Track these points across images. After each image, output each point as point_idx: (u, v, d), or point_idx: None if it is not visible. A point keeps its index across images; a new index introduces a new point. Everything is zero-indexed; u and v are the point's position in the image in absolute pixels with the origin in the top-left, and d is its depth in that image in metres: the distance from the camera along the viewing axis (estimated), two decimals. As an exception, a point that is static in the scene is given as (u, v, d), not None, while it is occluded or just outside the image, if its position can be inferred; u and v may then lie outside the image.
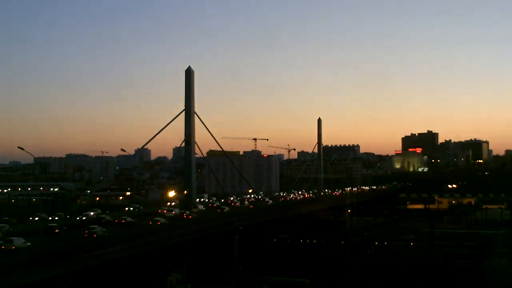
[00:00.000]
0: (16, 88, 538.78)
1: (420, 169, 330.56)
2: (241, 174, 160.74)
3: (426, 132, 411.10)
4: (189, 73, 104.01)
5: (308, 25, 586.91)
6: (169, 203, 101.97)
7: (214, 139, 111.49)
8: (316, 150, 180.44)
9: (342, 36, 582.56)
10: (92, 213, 76.42)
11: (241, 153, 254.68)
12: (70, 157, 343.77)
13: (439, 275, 74.35)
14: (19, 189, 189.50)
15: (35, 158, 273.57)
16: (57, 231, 58.66)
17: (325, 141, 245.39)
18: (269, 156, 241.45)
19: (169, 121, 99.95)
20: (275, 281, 68.51)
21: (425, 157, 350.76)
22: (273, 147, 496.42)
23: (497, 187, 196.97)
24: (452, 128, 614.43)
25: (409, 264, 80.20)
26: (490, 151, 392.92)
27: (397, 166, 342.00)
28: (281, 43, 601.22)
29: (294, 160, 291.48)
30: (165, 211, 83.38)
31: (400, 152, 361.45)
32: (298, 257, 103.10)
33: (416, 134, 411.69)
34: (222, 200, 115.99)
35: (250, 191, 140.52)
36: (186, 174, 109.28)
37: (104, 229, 59.62)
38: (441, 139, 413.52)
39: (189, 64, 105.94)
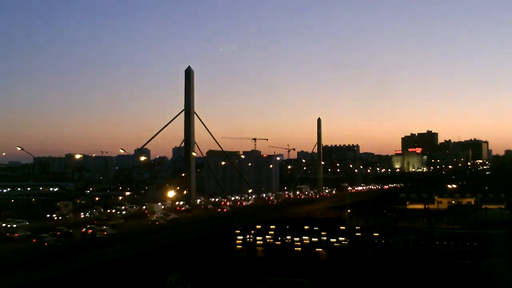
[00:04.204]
0: (15, 88, 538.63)
1: (420, 169, 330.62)
2: (241, 174, 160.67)
3: (426, 132, 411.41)
4: (189, 73, 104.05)
5: (308, 25, 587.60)
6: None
7: (214, 139, 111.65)
8: (316, 150, 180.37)
9: (342, 36, 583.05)
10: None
11: (241, 153, 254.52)
12: (70, 157, 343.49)
13: (439, 275, 74.40)
14: (19, 189, 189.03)
15: (34, 158, 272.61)
16: None
17: (325, 141, 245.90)
18: (269, 156, 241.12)
19: (169, 121, 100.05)
20: (275, 281, 68.57)
21: (425, 157, 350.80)
22: (273, 147, 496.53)
23: (497, 187, 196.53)
24: (452, 128, 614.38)
25: (409, 264, 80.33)
26: (490, 151, 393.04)
27: (397, 166, 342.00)
28: (281, 43, 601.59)
29: (294, 160, 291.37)
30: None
31: (400, 152, 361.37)
32: (298, 257, 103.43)
33: (416, 134, 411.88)
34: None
35: (250, 191, 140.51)
36: (186, 174, 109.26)
37: None
38: (441, 139, 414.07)
39: (189, 64, 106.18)
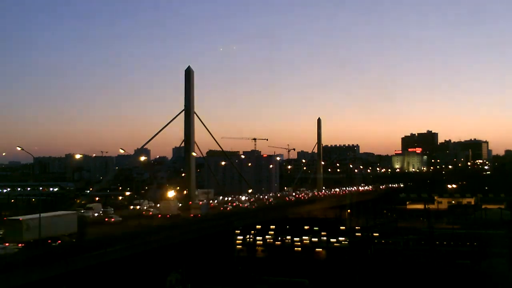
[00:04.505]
0: (15, 88, 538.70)
1: (420, 169, 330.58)
2: (241, 174, 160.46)
3: (426, 132, 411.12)
4: (189, 73, 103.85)
5: (308, 25, 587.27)
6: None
7: (214, 139, 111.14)
8: (316, 150, 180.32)
9: (342, 36, 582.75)
10: None
11: (241, 153, 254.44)
12: (70, 157, 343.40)
13: (439, 275, 74.44)
14: (19, 189, 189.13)
15: (34, 158, 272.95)
16: None
17: (325, 141, 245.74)
18: (269, 156, 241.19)
19: (169, 121, 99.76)
20: (275, 281, 68.63)
21: (425, 157, 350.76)
22: (273, 147, 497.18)
23: (497, 187, 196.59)
24: (452, 128, 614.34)
25: (409, 264, 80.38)
26: (490, 151, 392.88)
27: (397, 166, 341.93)
28: (281, 43, 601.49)
29: (294, 160, 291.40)
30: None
31: (400, 152, 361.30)
32: (298, 257, 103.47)
33: (416, 134, 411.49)
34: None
35: (250, 191, 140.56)
36: (186, 174, 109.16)
37: None
38: (441, 139, 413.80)
39: (189, 64, 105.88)
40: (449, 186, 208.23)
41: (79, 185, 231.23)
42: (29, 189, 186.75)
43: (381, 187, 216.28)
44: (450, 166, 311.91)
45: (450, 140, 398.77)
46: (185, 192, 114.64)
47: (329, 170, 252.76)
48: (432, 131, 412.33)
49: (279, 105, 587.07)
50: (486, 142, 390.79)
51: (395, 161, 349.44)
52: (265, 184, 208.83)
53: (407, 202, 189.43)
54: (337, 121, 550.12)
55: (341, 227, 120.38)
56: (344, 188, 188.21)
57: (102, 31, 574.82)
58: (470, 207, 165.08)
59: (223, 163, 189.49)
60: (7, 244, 44.59)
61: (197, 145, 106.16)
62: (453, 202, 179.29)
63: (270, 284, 67.98)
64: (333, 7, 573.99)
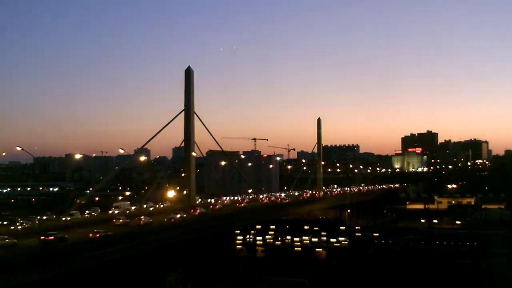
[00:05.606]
0: (15, 88, 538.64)
1: (420, 169, 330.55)
2: (241, 174, 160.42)
3: (426, 132, 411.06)
4: (189, 73, 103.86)
5: (308, 25, 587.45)
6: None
7: (214, 139, 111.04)
8: (316, 150, 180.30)
9: (342, 36, 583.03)
10: None
11: (241, 153, 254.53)
12: (70, 157, 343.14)
13: (439, 275, 74.43)
14: (19, 189, 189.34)
15: (34, 158, 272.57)
16: None
17: (325, 141, 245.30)
18: (269, 156, 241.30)
19: (169, 121, 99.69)
20: (275, 281, 68.64)
21: (425, 157, 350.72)
22: (273, 147, 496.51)
23: (497, 187, 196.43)
24: (452, 128, 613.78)
25: (409, 264, 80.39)
26: (490, 151, 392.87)
27: (397, 166, 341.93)
28: (281, 43, 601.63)
29: (294, 160, 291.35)
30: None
31: (400, 152, 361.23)
32: (298, 257, 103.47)
33: (416, 134, 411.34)
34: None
35: (250, 191, 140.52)
36: (186, 174, 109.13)
37: None
38: (440, 139, 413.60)
39: (189, 64, 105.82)
40: (449, 186, 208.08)
41: (79, 185, 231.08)
42: (29, 189, 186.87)
43: (380, 187, 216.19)
44: (450, 166, 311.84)
45: (450, 140, 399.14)
46: (185, 192, 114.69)
47: (329, 170, 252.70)
48: (432, 131, 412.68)
49: (279, 105, 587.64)
50: (486, 142, 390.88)
51: (395, 161, 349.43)
52: (265, 184, 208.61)
53: (407, 202, 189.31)
54: (337, 121, 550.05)
55: (341, 227, 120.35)
56: (345, 189, 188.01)
57: (102, 31, 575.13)
58: (470, 207, 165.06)
59: (223, 163, 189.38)
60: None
61: (197, 145, 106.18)
62: (453, 202, 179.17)
63: (270, 284, 68.00)
64: (333, 8, 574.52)
